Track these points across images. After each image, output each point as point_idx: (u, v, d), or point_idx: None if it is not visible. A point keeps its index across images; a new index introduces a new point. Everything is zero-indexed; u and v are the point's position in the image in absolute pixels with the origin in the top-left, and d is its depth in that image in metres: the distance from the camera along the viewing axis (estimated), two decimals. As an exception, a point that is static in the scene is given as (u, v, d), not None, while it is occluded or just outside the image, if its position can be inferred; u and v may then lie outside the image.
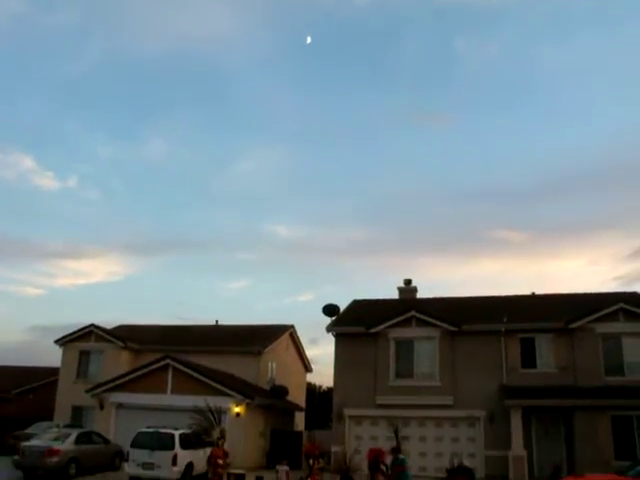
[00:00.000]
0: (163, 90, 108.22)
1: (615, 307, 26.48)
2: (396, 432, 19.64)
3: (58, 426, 26.66)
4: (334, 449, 27.50)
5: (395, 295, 34.63)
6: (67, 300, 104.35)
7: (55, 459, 21.51)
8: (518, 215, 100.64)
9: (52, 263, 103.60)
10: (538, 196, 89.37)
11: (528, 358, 27.21)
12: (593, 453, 23.57)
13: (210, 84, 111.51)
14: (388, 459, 19.61)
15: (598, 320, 26.49)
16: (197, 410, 20.26)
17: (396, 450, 18.41)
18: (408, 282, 34.76)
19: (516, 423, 25.08)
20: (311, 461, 23.56)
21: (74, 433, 23.35)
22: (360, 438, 27.29)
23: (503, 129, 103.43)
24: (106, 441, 25.01)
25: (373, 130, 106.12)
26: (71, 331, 35.45)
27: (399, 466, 17.64)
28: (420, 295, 34.58)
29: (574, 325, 26.60)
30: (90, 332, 35.12)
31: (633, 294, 29.47)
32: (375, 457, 22.26)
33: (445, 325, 27.81)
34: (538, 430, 26.12)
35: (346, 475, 17.58)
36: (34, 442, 22.69)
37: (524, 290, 34.28)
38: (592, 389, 25.23)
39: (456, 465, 18.11)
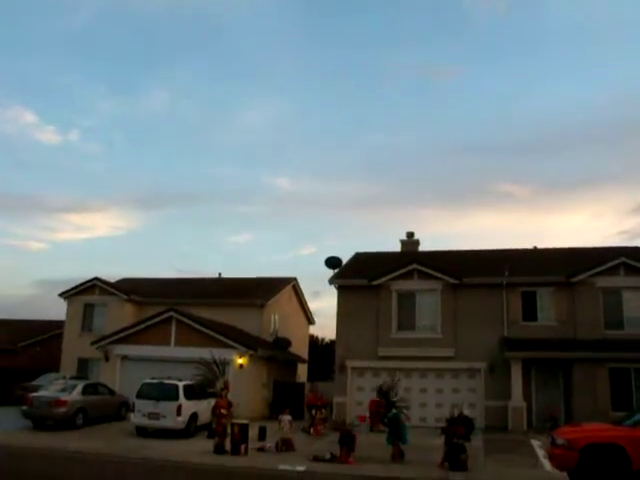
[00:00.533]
0: (164, 41, 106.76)
1: (616, 261, 26.57)
2: (386, 391, 19.58)
3: (65, 378, 27.03)
4: (336, 400, 27.95)
5: (397, 248, 34.68)
6: (70, 254, 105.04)
7: (63, 409, 21.94)
8: (521, 169, 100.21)
9: (55, 217, 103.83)
10: (541, 150, 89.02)
11: (529, 311, 27.41)
12: (591, 404, 23.99)
13: (212, 35, 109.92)
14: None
15: (599, 274, 26.61)
16: (201, 361, 20.45)
17: (390, 406, 18.61)
18: (410, 235, 34.76)
19: (516, 375, 25.42)
20: (313, 412, 24.00)
21: (80, 384, 23.71)
22: (362, 389, 27.64)
23: (507, 83, 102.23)
24: (112, 392, 25.41)
25: (377, 83, 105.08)
26: (75, 284, 35.70)
27: (394, 421, 17.95)
28: (422, 248, 34.66)
29: (575, 279, 26.71)
30: (94, 285, 35.36)
31: (635, 249, 29.45)
32: (377, 408, 22.65)
33: (447, 278, 27.92)
34: (537, 382, 26.49)
35: (347, 434, 17.82)
36: (42, 393, 23.07)
37: (526, 244, 34.32)
38: (591, 342, 25.51)
39: (456, 415, 18.34)
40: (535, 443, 20.35)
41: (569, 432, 13.96)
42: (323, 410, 24.57)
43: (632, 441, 12.51)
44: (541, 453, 18.01)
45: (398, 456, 17.31)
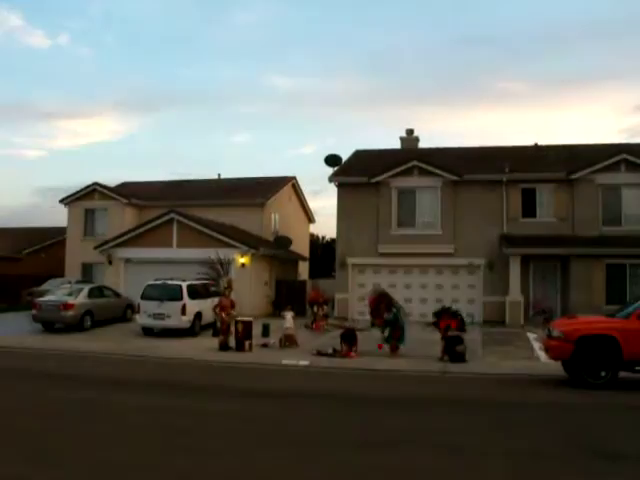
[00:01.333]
0: None
1: (617, 158, 26.36)
2: (382, 295, 19.85)
3: (70, 282, 27.43)
4: (338, 297, 28.48)
5: (398, 146, 34.29)
6: (69, 161, 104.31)
7: (70, 312, 22.46)
8: (521, 65, 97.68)
9: (51, 124, 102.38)
10: (543, 45, 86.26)
11: (528, 208, 27.47)
12: (586, 298, 24.50)
13: None
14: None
15: (599, 171, 26.46)
16: (204, 262, 20.67)
17: (388, 307, 18.94)
18: (410, 132, 34.30)
19: (514, 270, 25.79)
20: (315, 308, 24.47)
21: (86, 288, 24.14)
22: (363, 286, 28.04)
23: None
24: (117, 294, 25.88)
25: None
26: (75, 191, 35.62)
27: (393, 322, 18.39)
28: (422, 146, 34.27)
29: (575, 176, 26.58)
30: (94, 190, 35.25)
31: (637, 145, 28.96)
32: (377, 303, 23.03)
33: (447, 175, 27.77)
34: (535, 277, 26.95)
35: (350, 332, 18.25)
36: (49, 298, 23.55)
37: (527, 141, 33.87)
38: (589, 238, 25.74)
39: (440, 308, 18.58)
40: (531, 336, 20.90)
41: (565, 324, 14.27)
42: (325, 307, 25.09)
43: (624, 332, 12.81)
44: (537, 345, 18.52)
45: (396, 352, 17.82)
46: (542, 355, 16.26)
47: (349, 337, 17.97)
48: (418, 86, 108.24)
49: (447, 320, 17.52)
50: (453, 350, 16.56)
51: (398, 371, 15.27)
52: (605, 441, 8.77)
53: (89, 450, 8.00)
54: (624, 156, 26.31)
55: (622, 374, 13.05)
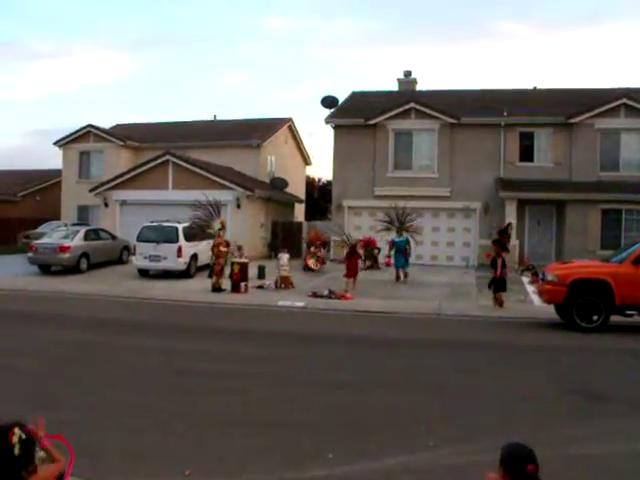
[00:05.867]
0: None
1: (617, 102, 26.03)
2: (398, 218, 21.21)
3: (66, 225, 27.38)
4: (334, 239, 28.54)
5: (395, 89, 33.80)
6: (62, 103, 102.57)
7: (67, 255, 22.45)
8: (521, 5, 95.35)
9: (43, 65, 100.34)
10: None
11: (526, 152, 27.28)
12: (581, 243, 24.61)
13: None
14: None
15: (598, 115, 26.14)
16: (198, 204, 20.63)
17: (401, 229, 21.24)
18: (408, 74, 33.77)
19: (510, 214, 25.76)
20: (312, 248, 24.65)
21: (82, 230, 24.07)
22: (359, 228, 28.07)
23: None
24: (113, 237, 25.85)
25: None
26: (69, 133, 35.19)
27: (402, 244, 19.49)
28: (420, 88, 33.78)
29: (574, 120, 26.28)
30: (88, 132, 34.78)
31: (637, 90, 28.50)
32: (367, 245, 23.87)
33: (444, 117, 27.46)
34: (531, 222, 26.98)
35: (352, 249, 19.27)
36: (45, 240, 23.52)
37: (526, 84, 33.40)
38: (586, 184, 25.65)
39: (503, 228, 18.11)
40: (526, 280, 21.07)
41: (558, 268, 14.38)
42: (322, 249, 25.23)
43: (617, 277, 12.91)
44: (530, 289, 18.69)
45: (400, 278, 18.88)
46: (536, 299, 16.43)
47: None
48: (417, 26, 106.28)
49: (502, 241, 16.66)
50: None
51: (391, 313, 15.40)
52: (594, 383, 8.94)
53: (88, 392, 8.13)
54: (624, 101, 25.96)
55: (613, 318, 13.23)
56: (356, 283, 19.01)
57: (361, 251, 22.60)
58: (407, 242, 21.66)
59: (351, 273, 18.97)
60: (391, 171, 28.16)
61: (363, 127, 28.26)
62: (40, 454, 3.18)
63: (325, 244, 26.03)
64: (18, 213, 36.75)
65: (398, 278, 21.04)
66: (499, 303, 15.78)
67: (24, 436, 2.98)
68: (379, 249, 24.81)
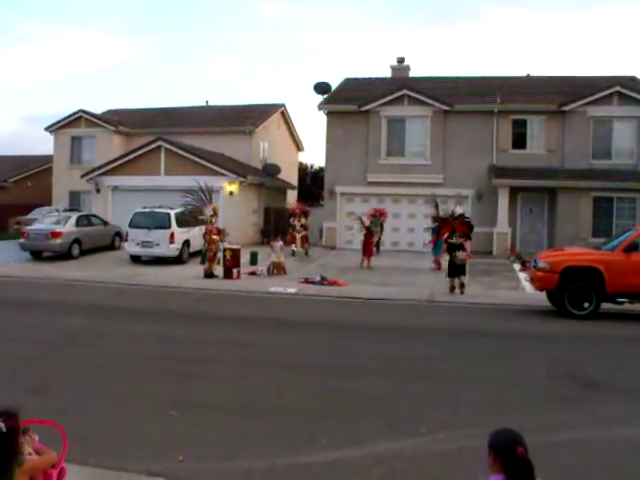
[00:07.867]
0: None
1: (610, 90, 26.05)
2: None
3: (58, 211, 27.24)
4: (326, 225, 28.58)
5: (388, 75, 33.69)
6: (54, 88, 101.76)
7: (58, 241, 22.37)
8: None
9: (33, 49, 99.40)
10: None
11: (519, 139, 27.30)
12: (573, 230, 24.74)
13: None
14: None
15: (591, 103, 26.17)
16: (190, 190, 20.57)
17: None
18: (401, 60, 33.65)
19: (502, 202, 25.87)
20: (293, 220, 25.02)
21: (74, 216, 23.95)
22: (351, 215, 28.06)
23: None
24: (105, 223, 25.77)
25: None
26: (60, 118, 34.93)
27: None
28: (413, 75, 33.65)
29: (567, 108, 26.30)
30: (80, 117, 34.49)
31: (630, 78, 28.59)
32: (375, 215, 23.68)
33: (437, 104, 27.40)
34: (523, 209, 27.04)
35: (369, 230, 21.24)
36: (37, 226, 23.43)
37: (519, 72, 33.37)
38: (578, 171, 25.75)
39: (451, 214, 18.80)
40: (517, 267, 21.14)
41: (550, 256, 14.44)
42: (303, 219, 25.18)
43: (608, 264, 12.98)
44: (522, 276, 18.77)
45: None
46: (527, 286, 16.50)
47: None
48: (410, 12, 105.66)
49: (452, 225, 17.23)
50: (453, 257, 16.12)
51: (382, 299, 15.43)
52: (585, 370, 9.01)
53: (80, 378, 8.14)
54: (617, 89, 25.99)
55: (604, 305, 13.32)
56: (370, 261, 21.25)
57: (365, 218, 22.78)
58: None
59: (367, 251, 21.35)
60: (384, 158, 28.12)
61: (356, 113, 28.18)
62: (28, 449, 3.18)
63: (306, 213, 25.89)
64: (9, 199, 36.49)
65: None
66: (461, 287, 15.90)
67: (4, 429, 2.96)
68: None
